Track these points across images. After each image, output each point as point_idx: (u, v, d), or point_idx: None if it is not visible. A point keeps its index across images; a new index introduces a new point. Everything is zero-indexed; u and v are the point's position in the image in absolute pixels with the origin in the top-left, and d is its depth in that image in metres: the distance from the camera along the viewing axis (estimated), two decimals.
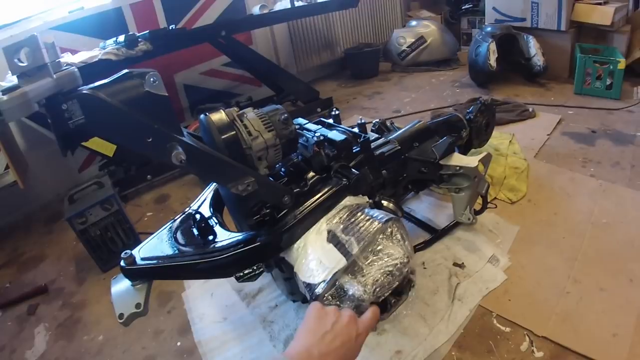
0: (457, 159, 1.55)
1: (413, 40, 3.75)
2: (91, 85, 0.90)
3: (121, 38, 2.19)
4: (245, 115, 1.10)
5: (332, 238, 1.06)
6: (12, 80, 0.92)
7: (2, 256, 2.32)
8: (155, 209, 2.44)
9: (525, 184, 1.98)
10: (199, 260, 1.09)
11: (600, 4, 2.86)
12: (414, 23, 3.90)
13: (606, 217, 1.72)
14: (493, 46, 2.96)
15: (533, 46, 2.99)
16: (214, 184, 1.38)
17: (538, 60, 2.99)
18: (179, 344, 1.54)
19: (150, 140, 0.92)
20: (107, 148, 2.40)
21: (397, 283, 1.04)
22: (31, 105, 0.85)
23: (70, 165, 2.79)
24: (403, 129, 1.58)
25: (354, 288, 1.00)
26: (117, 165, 2.63)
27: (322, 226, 1.10)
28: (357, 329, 0.83)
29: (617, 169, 2.03)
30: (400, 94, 3.47)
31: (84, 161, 2.83)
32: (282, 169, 1.24)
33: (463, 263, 1.60)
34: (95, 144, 2.36)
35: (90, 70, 2.01)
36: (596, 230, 1.67)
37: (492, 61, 2.95)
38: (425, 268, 1.60)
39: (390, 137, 1.49)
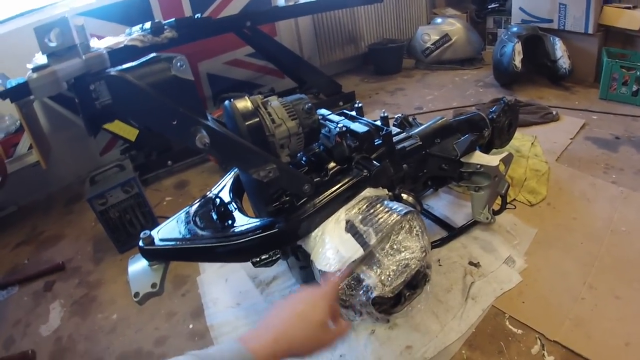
0: (478, 158, 1.54)
1: (438, 37, 3.71)
2: (119, 68, 0.92)
3: (147, 25, 2.21)
4: (269, 103, 1.11)
5: (351, 228, 1.07)
6: (41, 60, 0.94)
7: (22, 234, 2.37)
8: (174, 194, 2.46)
9: (546, 187, 1.96)
10: (216, 244, 1.11)
11: (629, 8, 2.79)
12: (439, 20, 3.86)
13: (626, 225, 1.69)
14: (519, 47, 2.91)
15: (559, 48, 2.94)
16: (235, 170, 1.39)
17: (564, 62, 2.93)
18: (191, 326, 1.56)
19: (175, 123, 0.94)
20: (129, 132, 2.43)
21: (412, 276, 1.04)
22: (60, 84, 0.86)
23: (92, 148, 2.83)
24: (425, 125, 1.58)
25: (369, 279, 1.00)
26: (139, 150, 2.66)
27: (340, 216, 1.11)
28: (313, 294, 0.80)
29: (639, 177, 1.99)
30: (422, 91, 3.44)
31: (106, 145, 2.87)
32: (304, 158, 1.25)
33: (479, 262, 1.58)
34: (118, 128, 2.39)
35: (116, 56, 2.03)
36: (615, 237, 1.64)
37: (517, 62, 2.90)
38: (440, 265, 1.60)
39: (412, 132, 1.49)
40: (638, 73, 2.58)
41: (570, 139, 2.37)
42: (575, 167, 2.12)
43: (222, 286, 1.69)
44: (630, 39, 2.89)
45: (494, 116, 1.78)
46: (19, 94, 1.86)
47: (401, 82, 3.72)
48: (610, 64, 2.68)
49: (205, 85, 3.05)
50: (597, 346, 1.26)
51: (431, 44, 3.75)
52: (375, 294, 1.00)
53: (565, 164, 2.16)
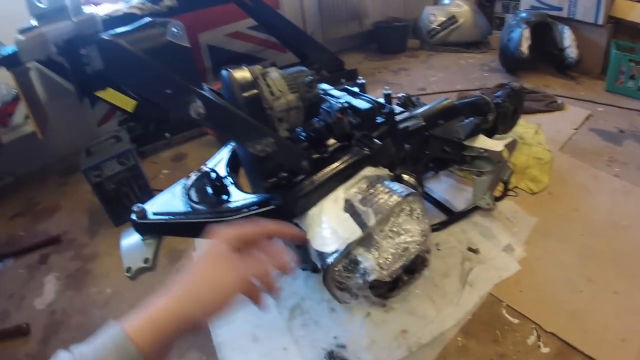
0: (482, 142, 1.50)
1: (444, 19, 3.64)
2: (112, 32, 0.88)
3: None
4: (269, 75, 1.07)
5: (349, 208, 1.03)
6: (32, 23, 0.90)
7: (17, 205, 2.35)
8: (171, 167, 2.44)
9: (548, 175, 1.93)
10: (211, 219, 1.08)
11: None
12: (446, 1, 3.77)
13: (627, 219, 1.68)
14: (527, 32, 2.85)
15: (568, 37, 2.88)
16: (232, 144, 1.35)
17: (571, 52, 2.88)
18: None
19: (170, 91, 0.90)
20: (127, 103, 2.39)
21: (411, 261, 1.02)
22: (48, 46, 0.83)
23: (90, 119, 2.79)
24: (429, 105, 1.53)
25: (367, 261, 0.98)
26: (137, 122, 2.62)
27: (339, 195, 1.07)
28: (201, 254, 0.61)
29: None
30: (426, 72, 3.39)
31: (104, 116, 2.83)
32: (303, 133, 1.21)
33: (478, 249, 1.57)
34: (115, 98, 2.34)
35: (113, 24, 1.98)
36: (615, 231, 1.63)
37: (524, 48, 2.85)
38: (438, 249, 1.58)
39: (416, 112, 1.45)
40: None
41: (575, 129, 2.34)
42: (579, 157, 2.09)
43: None
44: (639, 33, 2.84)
45: (500, 101, 1.74)
46: (14, 61, 1.81)
47: (405, 62, 3.66)
48: (619, 57, 2.64)
49: (206, 56, 2.99)
50: (593, 340, 1.25)
51: (437, 25, 3.67)
52: (372, 277, 0.97)
53: (569, 154, 2.13)
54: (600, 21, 2.81)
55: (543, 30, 2.96)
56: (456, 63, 3.51)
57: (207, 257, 0.60)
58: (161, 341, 0.53)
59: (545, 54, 3.05)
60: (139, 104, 2.40)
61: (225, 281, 0.58)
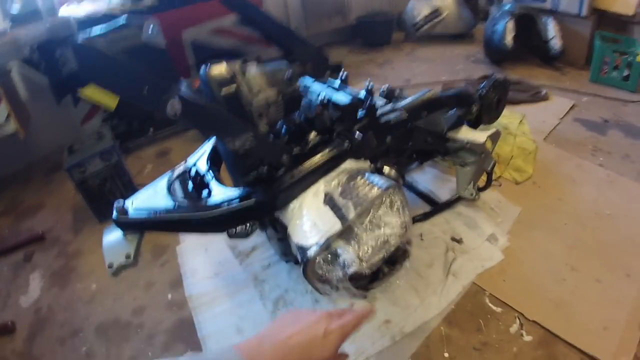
0: (465, 133, 1.51)
1: (428, 12, 3.63)
2: (87, 33, 0.87)
3: None
4: (247, 71, 1.06)
5: (329, 201, 1.04)
6: (3, 26, 0.89)
7: (1, 204, 2.32)
8: (156, 163, 2.43)
9: (532, 165, 1.95)
10: (191, 215, 1.08)
11: None
12: None
13: (610, 208, 1.69)
14: (511, 24, 2.86)
15: (552, 29, 2.88)
16: (214, 138, 1.35)
17: (555, 43, 2.89)
18: (169, 297, 1.55)
19: (146, 91, 0.90)
20: (109, 100, 2.36)
21: (392, 253, 1.02)
22: (21, 49, 0.82)
23: (73, 117, 2.74)
24: (412, 97, 1.53)
25: (346, 254, 0.98)
26: (120, 118, 2.59)
27: (319, 188, 1.08)
28: (326, 326, 0.70)
29: (626, 162, 1.98)
30: (411, 64, 3.39)
31: (87, 113, 2.77)
32: (284, 128, 1.21)
33: (461, 239, 1.58)
34: (98, 96, 2.31)
35: (93, 24, 1.96)
36: (599, 220, 1.64)
37: (509, 40, 2.85)
38: (422, 240, 1.59)
39: (399, 105, 1.45)
40: (630, 58, 2.55)
41: (559, 119, 2.35)
42: (563, 147, 2.10)
43: (202, 256, 1.67)
44: (623, 24, 2.84)
45: (483, 92, 1.75)
46: None
47: (390, 55, 3.66)
48: (603, 48, 2.65)
49: (190, 53, 2.94)
50: (575, 328, 1.26)
51: (422, 18, 3.67)
52: (352, 269, 0.97)
53: (553, 144, 2.14)
54: (584, 13, 2.81)
55: (527, 22, 2.97)
56: (441, 55, 3.50)
57: (322, 339, 0.69)
58: None
59: (530, 46, 3.06)
60: (122, 101, 2.38)
61: None
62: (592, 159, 2.01)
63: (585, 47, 2.95)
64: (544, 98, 2.57)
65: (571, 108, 2.46)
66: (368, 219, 1.01)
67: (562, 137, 2.20)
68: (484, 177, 1.64)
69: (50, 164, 2.61)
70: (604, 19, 2.89)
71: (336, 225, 0.98)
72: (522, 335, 1.28)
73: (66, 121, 2.71)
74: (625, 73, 2.60)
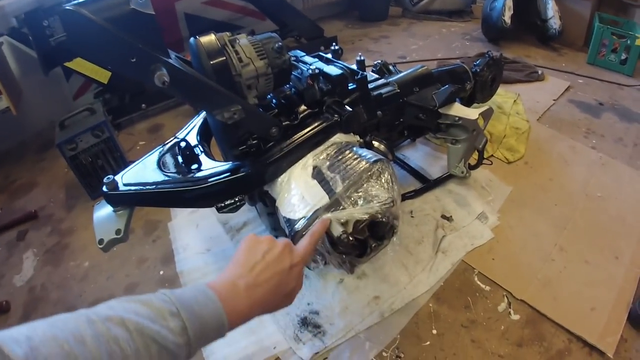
0: (457, 110, 1.50)
1: None
2: (74, 2, 0.85)
3: None
4: (237, 41, 1.04)
5: (317, 174, 1.03)
6: None
7: None
8: (148, 138, 2.41)
9: (525, 145, 1.95)
10: (180, 188, 1.07)
11: None
12: None
13: (601, 190, 1.70)
14: (509, 2, 2.83)
15: (551, 8, 2.86)
16: (204, 112, 1.34)
17: (554, 23, 2.87)
18: (161, 272, 1.56)
19: (134, 60, 0.89)
20: (101, 75, 2.33)
21: (379, 226, 1.02)
22: (8, 19, 0.81)
23: (65, 92, 2.72)
24: (404, 73, 1.52)
25: (333, 227, 0.98)
26: (112, 93, 2.57)
27: (308, 161, 1.07)
28: (292, 259, 0.74)
29: (619, 145, 1.99)
30: (407, 40, 3.36)
31: (79, 88, 2.75)
32: (274, 101, 1.20)
33: (451, 216, 1.58)
34: (89, 70, 2.29)
35: None
36: (589, 202, 1.65)
37: (507, 17, 2.83)
38: (412, 217, 1.59)
39: (391, 79, 1.44)
40: (629, 42, 2.53)
41: (554, 100, 2.35)
42: (556, 128, 2.10)
43: (193, 232, 1.67)
44: (624, 6, 2.83)
45: (478, 69, 1.73)
46: None
47: (386, 30, 3.62)
48: (602, 29, 2.63)
49: (183, 25, 2.91)
50: (562, 308, 1.27)
51: None
52: (334, 231, 0.97)
53: (547, 124, 2.14)
54: None
55: (527, 0, 2.94)
56: (438, 31, 3.47)
57: (289, 272, 0.73)
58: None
59: (528, 25, 3.04)
60: (114, 75, 2.35)
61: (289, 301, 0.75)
62: (585, 141, 2.01)
63: (584, 28, 2.93)
64: (540, 78, 2.56)
65: (566, 89, 2.45)
66: (356, 191, 1.01)
67: (556, 118, 2.20)
68: (475, 156, 1.64)
69: (43, 140, 2.59)
70: (605, 1, 2.87)
71: (324, 198, 0.98)
72: (509, 313, 1.29)
73: (58, 96, 2.68)
74: (623, 57, 2.60)
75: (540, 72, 2.59)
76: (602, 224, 1.55)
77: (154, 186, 1.10)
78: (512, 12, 2.84)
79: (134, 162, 1.24)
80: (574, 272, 1.38)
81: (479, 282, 1.38)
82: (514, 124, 2.06)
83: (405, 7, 3.81)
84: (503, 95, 2.25)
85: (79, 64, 2.24)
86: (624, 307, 1.27)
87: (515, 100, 2.25)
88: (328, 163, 1.05)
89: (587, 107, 2.28)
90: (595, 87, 2.49)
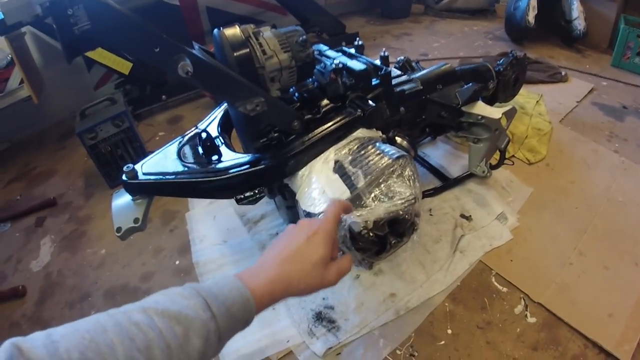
0: (480, 108, 1.48)
1: None
2: None
3: None
4: (261, 34, 1.04)
5: (339, 169, 1.03)
6: None
7: (14, 170, 2.34)
8: (167, 130, 2.42)
9: (546, 147, 1.91)
10: (200, 179, 1.07)
11: None
12: None
13: (623, 195, 1.66)
14: (534, 2, 2.78)
15: (576, 9, 2.79)
16: (225, 104, 1.34)
17: (579, 24, 2.80)
18: (177, 262, 1.56)
19: (158, 50, 0.89)
20: (122, 66, 2.35)
21: (400, 223, 1.01)
22: (33, 7, 0.81)
23: (86, 82, 2.75)
24: (428, 69, 1.50)
25: (354, 223, 0.97)
26: (133, 84, 2.59)
27: (329, 156, 1.07)
28: (309, 229, 0.72)
29: None
30: (429, 38, 3.33)
31: (100, 79, 2.79)
32: (296, 94, 1.19)
33: (470, 216, 1.56)
34: (111, 60, 2.31)
35: None
36: (610, 206, 1.61)
37: (531, 17, 2.78)
38: (431, 215, 1.58)
39: (414, 76, 1.42)
40: None
41: (577, 102, 2.30)
42: (579, 131, 2.06)
43: (210, 223, 1.67)
44: None
45: (501, 69, 1.70)
46: (2, 27, 1.78)
47: (408, 27, 3.58)
48: (627, 32, 2.57)
49: (205, 18, 2.92)
50: (580, 313, 1.25)
51: None
52: (355, 226, 0.96)
53: (569, 126, 2.10)
54: None
55: (551, 0, 2.88)
56: (460, 30, 3.43)
57: (308, 258, 0.70)
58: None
59: (552, 25, 2.98)
60: (135, 66, 2.36)
61: (315, 285, 0.71)
62: (607, 145, 1.96)
63: (609, 30, 2.86)
64: (563, 79, 2.50)
65: (590, 91, 2.40)
66: (377, 187, 1.00)
67: (579, 120, 2.15)
68: (496, 155, 1.61)
69: (63, 129, 2.63)
70: (631, 2, 2.79)
71: (345, 193, 0.97)
72: (526, 316, 1.27)
73: (79, 86, 2.72)
74: None
75: (563, 73, 2.53)
76: (622, 229, 1.52)
77: (173, 176, 1.11)
78: (536, 11, 2.79)
79: (153, 152, 1.24)
80: (592, 277, 1.36)
81: (496, 284, 1.37)
82: (536, 124, 2.02)
83: (427, 4, 3.78)
84: (525, 96, 2.21)
85: (100, 55, 2.26)
86: None
87: (537, 101, 2.21)
88: (350, 158, 1.04)
89: (611, 110, 2.23)
90: (619, 90, 2.43)
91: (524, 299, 1.31)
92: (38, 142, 2.57)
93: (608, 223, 1.54)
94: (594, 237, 1.49)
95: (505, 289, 1.35)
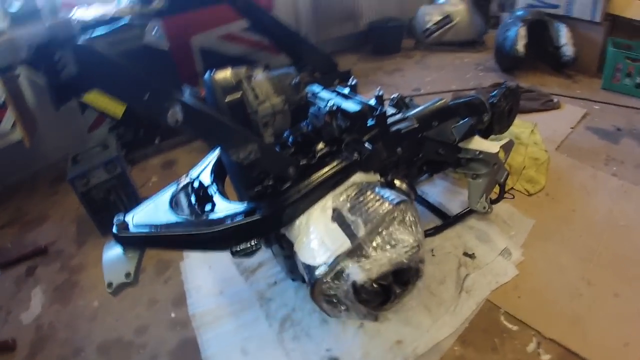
0: (478, 143, 1.46)
1: (439, 18, 3.59)
2: (87, 36, 0.84)
3: None
4: (253, 77, 1.02)
5: (338, 217, 0.99)
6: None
7: (5, 215, 2.29)
8: (161, 174, 2.39)
9: (545, 176, 1.89)
10: (193, 232, 1.04)
11: None
12: (442, 0, 3.74)
13: (625, 219, 1.64)
14: (523, 31, 2.82)
15: (564, 35, 2.84)
16: (219, 149, 1.31)
17: (568, 50, 2.84)
18: (173, 315, 1.51)
19: (146, 97, 0.86)
20: (115, 108, 2.33)
21: (404, 272, 0.97)
22: (19, 51, 0.79)
23: (80, 125, 2.72)
24: (422, 106, 1.49)
25: (356, 274, 0.93)
26: (127, 127, 2.57)
27: (327, 203, 1.03)
28: None
29: None
30: (421, 72, 3.36)
31: (94, 121, 2.75)
32: (290, 138, 1.16)
33: (474, 253, 1.53)
34: (104, 103, 2.29)
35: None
36: (614, 232, 1.59)
37: (520, 46, 2.81)
38: (433, 255, 1.54)
39: (409, 114, 1.40)
40: None
41: (571, 128, 2.30)
42: (576, 157, 2.05)
43: (206, 273, 1.63)
44: (637, 30, 2.79)
45: (495, 100, 1.70)
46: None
47: (400, 62, 3.63)
48: (615, 54, 2.61)
49: (198, 60, 2.94)
50: (594, 346, 1.22)
51: (432, 25, 3.63)
52: (357, 279, 0.92)
53: (565, 153, 2.09)
54: (598, 18, 2.77)
55: (539, 28, 2.92)
56: (451, 63, 3.47)
57: None
58: None
59: (542, 53, 3.01)
60: (128, 109, 2.34)
61: None
62: (605, 169, 1.96)
63: (597, 53, 2.90)
64: (556, 106, 2.52)
65: (583, 116, 2.41)
66: (379, 235, 0.96)
67: (575, 146, 2.15)
68: (496, 189, 1.59)
69: (56, 173, 2.59)
70: (617, 25, 2.84)
71: (345, 243, 0.93)
72: (539, 354, 1.23)
73: (73, 129, 2.68)
74: (638, 80, 2.56)
75: (555, 100, 2.55)
76: (628, 254, 1.50)
77: (166, 228, 1.07)
78: (525, 40, 2.82)
79: (146, 199, 1.21)
80: (603, 307, 1.33)
81: (505, 322, 1.32)
82: (532, 154, 2.01)
83: (418, 38, 3.83)
84: (519, 126, 2.21)
85: (93, 97, 2.25)
86: None
87: (532, 130, 2.21)
88: (349, 205, 1.00)
89: (605, 134, 2.24)
90: (611, 113, 2.45)
91: (535, 336, 1.27)
92: (30, 186, 2.53)
93: (613, 249, 1.52)
94: (601, 265, 1.46)
95: (515, 327, 1.30)
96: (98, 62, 0.83)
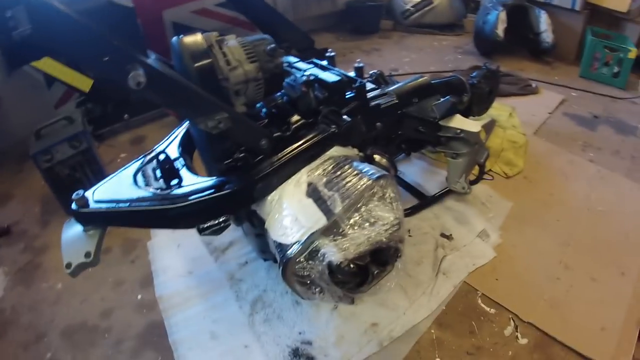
0: (459, 122, 1.43)
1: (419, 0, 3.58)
2: None
3: None
4: (225, 42, 0.95)
5: (313, 192, 0.94)
6: None
7: None
8: (130, 151, 2.30)
9: (523, 159, 1.90)
10: (157, 207, 0.97)
11: None
12: None
13: (603, 205, 1.67)
14: (503, 15, 2.81)
15: (544, 21, 2.86)
16: (187, 122, 1.24)
17: (547, 36, 2.86)
18: (139, 297, 1.45)
19: (107, 58, 0.78)
20: (82, 83, 2.22)
21: (382, 251, 0.92)
22: None
23: (47, 100, 2.60)
24: (403, 82, 1.44)
25: (332, 254, 0.88)
26: (95, 102, 2.45)
27: (302, 177, 0.98)
28: None
29: (616, 158, 1.97)
30: (399, 53, 3.34)
31: (61, 97, 2.64)
32: (264, 110, 1.10)
33: (451, 235, 1.51)
34: (70, 76, 2.17)
35: None
36: (592, 217, 1.61)
37: (500, 31, 2.80)
38: (410, 236, 1.51)
39: (388, 89, 1.35)
40: (621, 55, 2.55)
41: (549, 113, 2.33)
42: (553, 142, 2.07)
43: (174, 252, 1.56)
44: (616, 20, 2.84)
45: (475, 81, 1.67)
46: None
47: (378, 42, 3.59)
48: (594, 43, 2.65)
49: (170, 34, 2.82)
50: (572, 330, 1.22)
51: (411, 6, 3.60)
52: (333, 259, 0.87)
53: (543, 138, 2.11)
54: (577, 7, 2.79)
55: (520, 13, 2.92)
56: (430, 45, 3.45)
57: None
58: None
59: (521, 38, 3.02)
60: (96, 83, 2.23)
61: None
62: (582, 155, 1.99)
63: (576, 42, 2.94)
64: (534, 91, 2.54)
65: (561, 102, 2.45)
66: (357, 212, 0.91)
67: (552, 131, 2.18)
68: (474, 170, 1.57)
69: (22, 150, 2.45)
70: (597, 15, 2.89)
71: (321, 220, 0.88)
72: (517, 337, 1.23)
73: (39, 105, 2.56)
74: (616, 70, 2.61)
75: (534, 85, 2.57)
76: (605, 239, 1.52)
77: (127, 204, 1.00)
78: (505, 25, 2.82)
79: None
80: (581, 291, 1.34)
81: (483, 305, 1.32)
82: (510, 137, 2.01)
83: (396, 20, 3.80)
84: (498, 109, 2.20)
85: (59, 70, 2.13)
86: (634, 325, 1.23)
87: (510, 114, 2.21)
88: (325, 179, 0.95)
89: (583, 120, 2.27)
90: (589, 100, 2.49)
91: (513, 320, 1.27)
92: None
93: (591, 234, 1.54)
94: (579, 249, 1.48)
95: (493, 310, 1.30)
96: (55, 18, 0.75)
